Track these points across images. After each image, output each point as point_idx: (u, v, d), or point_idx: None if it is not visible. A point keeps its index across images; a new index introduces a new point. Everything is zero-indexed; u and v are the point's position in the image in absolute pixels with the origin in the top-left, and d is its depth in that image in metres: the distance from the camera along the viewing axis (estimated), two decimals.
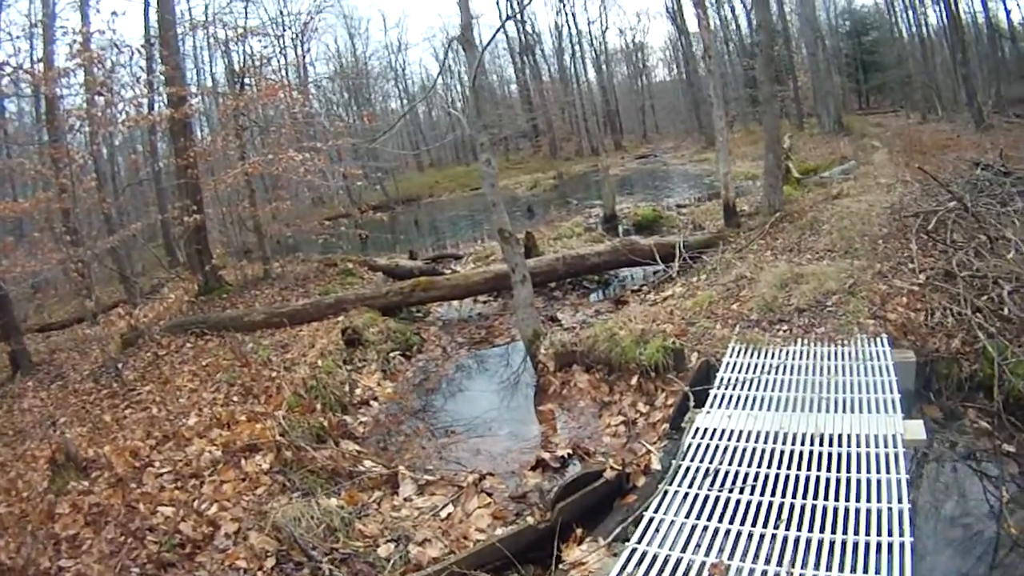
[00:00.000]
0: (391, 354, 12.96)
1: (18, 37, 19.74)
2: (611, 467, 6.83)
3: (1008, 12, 44.37)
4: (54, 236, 15.43)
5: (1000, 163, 15.92)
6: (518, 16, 60.81)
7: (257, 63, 23.44)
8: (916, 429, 6.35)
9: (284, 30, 49.51)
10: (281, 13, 49.33)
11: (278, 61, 44.78)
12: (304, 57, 54.23)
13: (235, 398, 10.65)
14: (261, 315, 15.40)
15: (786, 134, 31.80)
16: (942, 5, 38.98)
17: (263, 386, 10.76)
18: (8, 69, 15.98)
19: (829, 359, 7.98)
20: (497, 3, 61.87)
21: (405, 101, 72.96)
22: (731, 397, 7.39)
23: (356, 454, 8.91)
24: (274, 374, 11.31)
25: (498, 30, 14.62)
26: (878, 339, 8.28)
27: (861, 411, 6.69)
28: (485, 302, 16.27)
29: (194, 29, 26.94)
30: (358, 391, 11.31)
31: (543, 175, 48.63)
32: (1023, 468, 6.69)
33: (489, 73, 72.79)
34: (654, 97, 77.23)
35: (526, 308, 11.59)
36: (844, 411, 6.74)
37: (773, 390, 7.42)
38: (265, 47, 26.17)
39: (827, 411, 6.79)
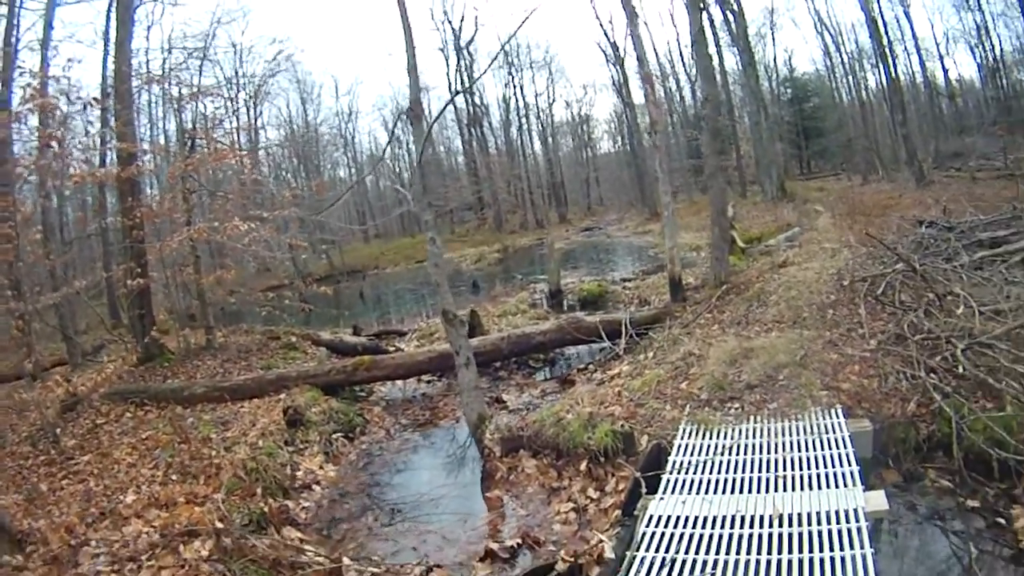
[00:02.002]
0: (334, 435, 12.56)
1: None
2: (563, 559, 6.61)
3: (946, 71, 45.85)
4: None
5: (944, 219, 16.05)
6: (468, 88, 61.40)
7: (209, 124, 23.05)
8: (877, 500, 6.07)
9: (238, 91, 50.42)
10: (237, 73, 49.89)
11: (230, 123, 44.89)
12: (256, 120, 54.47)
13: (174, 476, 10.24)
14: (202, 388, 15.06)
15: (729, 203, 31.90)
16: (882, 68, 40.18)
17: (203, 465, 10.43)
18: None
19: (783, 435, 7.69)
20: (448, 76, 62.62)
21: (354, 170, 73.74)
22: (684, 481, 7.05)
23: (299, 543, 8.50)
24: (214, 453, 10.97)
25: (446, 106, 14.47)
26: (832, 411, 8.05)
27: (820, 487, 6.42)
28: (429, 382, 15.90)
29: (149, 84, 26.56)
30: (300, 474, 10.98)
31: (488, 248, 48.91)
32: (989, 521, 6.59)
33: (437, 144, 73.48)
34: (599, 169, 78.59)
35: (470, 391, 11.28)
36: (802, 488, 6.47)
37: (727, 472, 7.10)
38: (217, 108, 25.64)
39: (785, 490, 6.50)
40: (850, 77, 52.32)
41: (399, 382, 15.86)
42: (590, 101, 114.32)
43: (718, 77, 45.37)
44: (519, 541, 7.78)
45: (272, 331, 20.86)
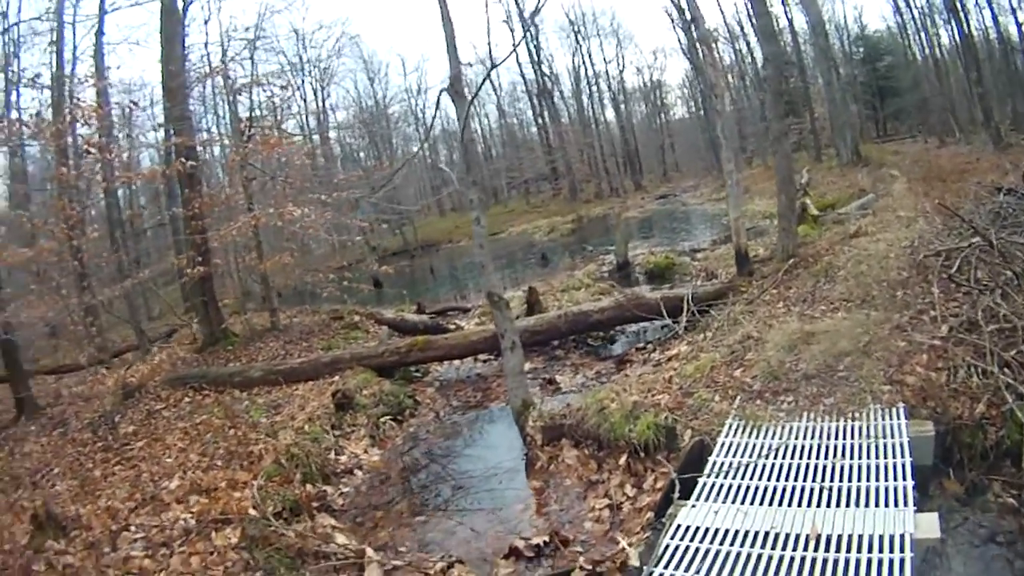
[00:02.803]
0: (382, 419, 12.38)
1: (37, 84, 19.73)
2: (581, 566, 6.28)
3: (1020, 25, 44.04)
4: (53, 287, 15.65)
5: (1023, 185, 15.03)
6: (536, 59, 60.71)
7: (264, 112, 23.62)
8: (929, 525, 5.32)
9: (303, 76, 51.60)
10: (301, 59, 50.86)
11: (297, 107, 45.77)
12: (324, 103, 55.47)
13: (219, 462, 10.47)
14: (259, 372, 15.24)
15: (804, 168, 31.42)
16: (954, 24, 38.96)
17: (247, 451, 10.57)
18: (26, 117, 16.26)
19: (837, 437, 6.88)
20: (515, 49, 61.97)
21: (427, 145, 73.72)
22: (722, 487, 6.37)
23: (330, 530, 8.45)
24: (260, 438, 11.00)
25: (483, 82, 14.02)
26: (893, 410, 7.20)
27: (868, 504, 5.68)
28: (485, 361, 15.48)
29: (204, 79, 26.59)
30: (343, 458, 10.92)
31: (561, 218, 48.60)
32: None
33: (510, 116, 75.33)
34: (673, 135, 77.20)
35: (516, 376, 10.83)
36: (848, 504, 5.74)
37: (770, 479, 6.38)
38: (270, 96, 25.57)
39: (828, 505, 5.79)
40: (922, 34, 50.23)
41: (456, 362, 15.57)
42: (661, 66, 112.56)
43: (787, 37, 44.30)
44: (546, 539, 7.35)
45: (336, 311, 20.90)
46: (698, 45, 15.89)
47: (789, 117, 35.00)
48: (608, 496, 8.06)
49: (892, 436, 6.67)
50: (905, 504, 5.55)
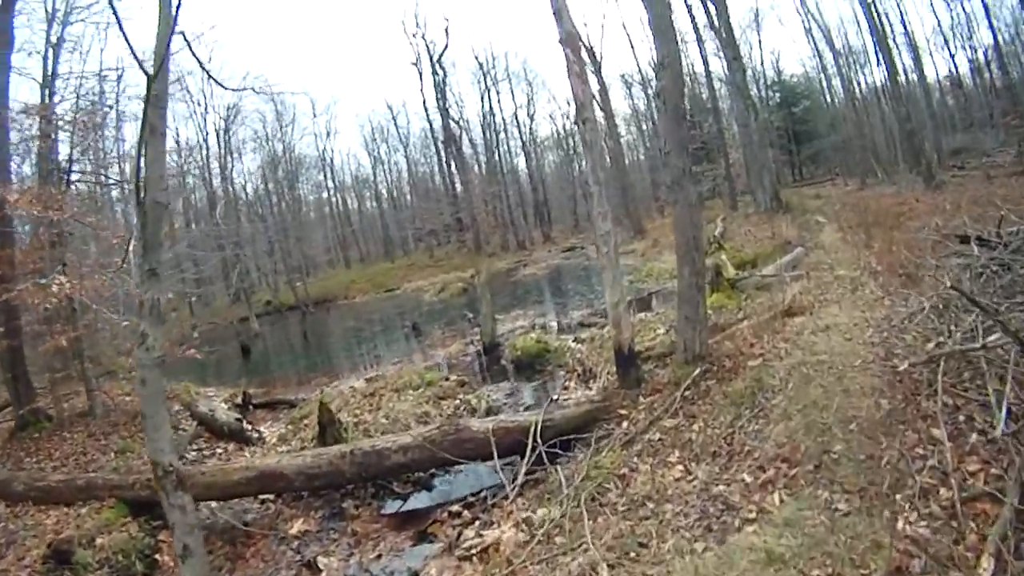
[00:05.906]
0: None
1: None
2: None
3: (953, 57, 45.65)
4: None
5: (997, 232, 10.43)
6: (442, 105, 58.53)
7: (78, 155, 20.51)
8: None
9: (207, 113, 53.55)
10: (204, 92, 51.26)
11: (201, 149, 48.56)
12: (227, 142, 55.35)
13: None
14: (21, 486, 11.96)
15: (718, 217, 29.25)
16: (884, 63, 38.09)
17: None
18: None
19: None
20: (421, 91, 60.61)
21: (334, 190, 75.07)
22: None
23: None
24: None
25: (147, 102, 9.82)
26: None
27: None
28: (263, 502, 11.00)
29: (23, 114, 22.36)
30: None
31: (459, 274, 44.92)
32: None
33: (419, 165, 76.34)
34: (587, 184, 74.50)
35: None
36: None
37: None
38: (84, 139, 21.44)
39: None
40: (839, 77, 50.51)
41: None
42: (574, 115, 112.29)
43: (704, 80, 43.52)
44: None
45: (169, 391, 16.75)
46: (562, 47, 11.15)
47: (703, 163, 32.26)
48: None
49: None
50: None
